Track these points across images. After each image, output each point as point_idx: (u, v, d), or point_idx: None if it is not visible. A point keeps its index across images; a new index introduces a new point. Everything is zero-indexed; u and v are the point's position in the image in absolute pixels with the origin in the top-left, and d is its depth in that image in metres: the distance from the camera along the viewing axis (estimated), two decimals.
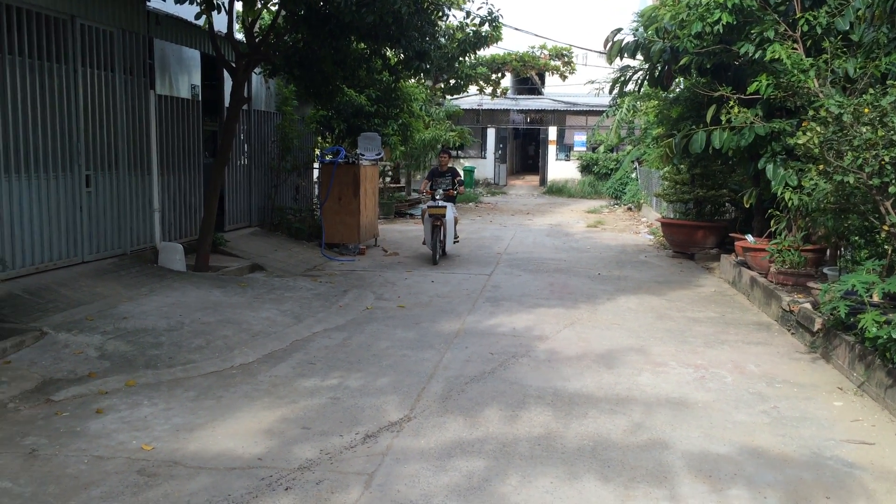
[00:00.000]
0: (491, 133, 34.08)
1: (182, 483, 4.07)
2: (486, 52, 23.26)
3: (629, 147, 24.82)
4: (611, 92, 12.21)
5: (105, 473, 4.18)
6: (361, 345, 7.01)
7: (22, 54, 7.74)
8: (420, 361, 6.49)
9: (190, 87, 11.14)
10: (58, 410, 5.13)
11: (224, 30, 10.45)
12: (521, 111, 33.33)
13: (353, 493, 4.03)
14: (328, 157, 13.40)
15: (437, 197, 12.20)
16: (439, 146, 20.14)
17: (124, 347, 6.46)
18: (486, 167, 33.61)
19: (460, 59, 16.70)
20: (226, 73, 11.44)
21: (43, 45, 8.04)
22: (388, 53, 11.60)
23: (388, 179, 20.98)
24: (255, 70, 11.24)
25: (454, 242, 12.71)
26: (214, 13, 9.43)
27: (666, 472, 4.38)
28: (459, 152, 30.60)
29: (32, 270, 7.95)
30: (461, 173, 12.64)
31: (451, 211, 12.09)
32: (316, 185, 15.64)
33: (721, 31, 8.74)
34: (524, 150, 42.66)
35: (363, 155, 13.57)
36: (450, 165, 13.03)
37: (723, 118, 8.85)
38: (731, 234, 11.34)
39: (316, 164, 15.36)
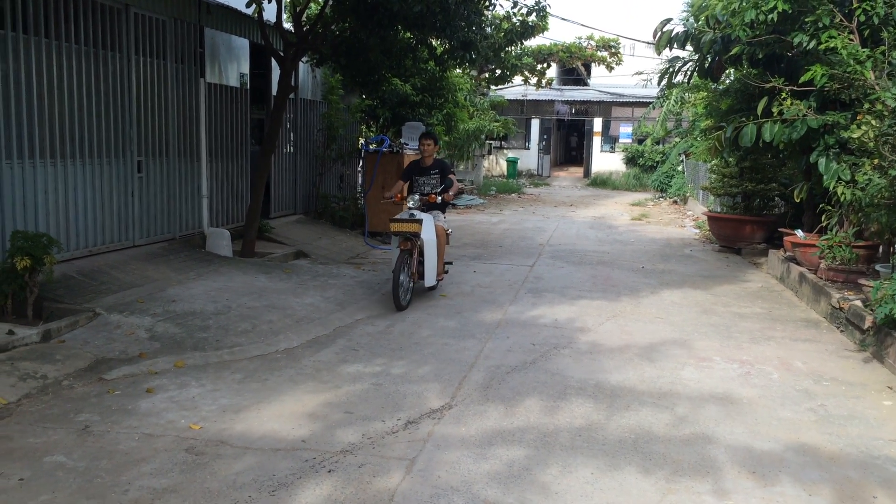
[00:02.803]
0: (535, 124, 33.90)
1: (229, 462, 4.17)
2: (532, 43, 23.13)
3: (676, 139, 24.49)
4: (659, 83, 12.04)
5: (155, 451, 4.30)
6: (403, 332, 7.06)
7: (78, 42, 7.94)
8: (461, 350, 6.52)
9: (239, 75, 11.30)
10: (110, 389, 5.29)
11: (273, 19, 10.56)
12: (566, 102, 33.07)
13: (395, 477, 4.08)
14: (372, 146, 13.48)
15: (411, 205, 8.31)
16: (479, 131, 18.95)
17: (173, 329, 6.62)
18: (529, 158, 33.47)
19: (506, 49, 16.62)
20: (274, 62, 11.57)
21: (98, 34, 8.24)
22: (434, 43, 11.61)
23: None
24: (302, 59, 11.34)
25: (439, 277, 8.66)
26: (264, 2, 9.54)
27: (709, 466, 4.34)
28: (503, 143, 30.52)
29: (86, 253, 8.18)
30: (454, 170, 9.27)
31: (429, 227, 8.25)
32: (360, 174, 15.75)
33: (775, 19, 8.55)
34: (568, 142, 42.36)
35: (407, 144, 13.61)
36: (437, 157, 9.10)
37: (774, 110, 8.66)
38: (780, 229, 11.12)
39: (360, 153, 15.47)
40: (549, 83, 28.67)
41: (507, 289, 9.25)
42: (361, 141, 15.58)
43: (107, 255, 8.46)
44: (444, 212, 8.87)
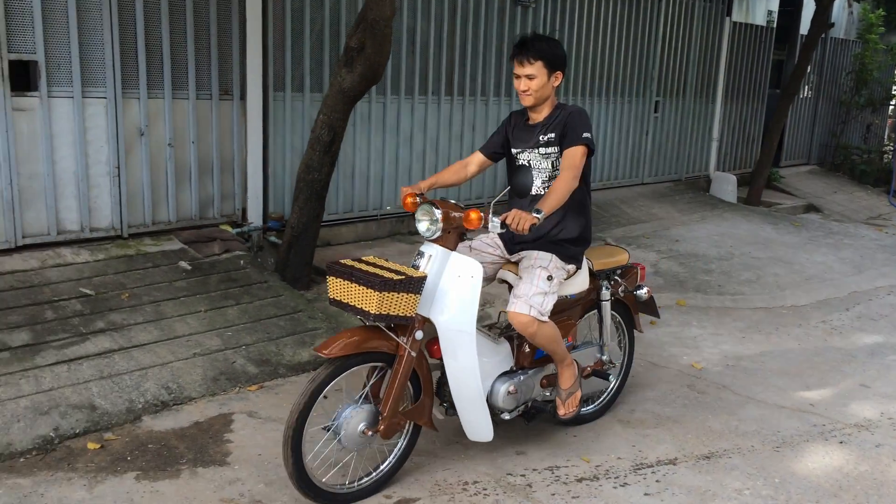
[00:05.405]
0: None
1: (730, 408, 4.12)
2: None
3: None
4: None
5: (658, 379, 4.46)
6: None
7: None
8: None
9: (766, 13, 10.70)
10: None
11: None
12: None
13: None
14: None
15: (423, 230, 3.08)
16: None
17: (676, 268, 6.74)
18: None
19: None
20: None
21: None
22: None
23: None
24: None
25: (570, 411, 3.45)
26: None
27: None
28: None
29: (600, 186, 8.76)
30: (590, 135, 3.24)
31: (460, 297, 3.05)
32: (890, 124, 13.80)
33: None
34: None
35: None
36: (561, 102, 3.44)
37: None
38: None
39: (893, 102, 13.51)
40: None
41: None
42: None
43: (617, 189, 8.95)
44: (565, 254, 3.38)
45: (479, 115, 7.31)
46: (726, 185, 9.89)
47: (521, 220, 2.94)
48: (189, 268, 5.04)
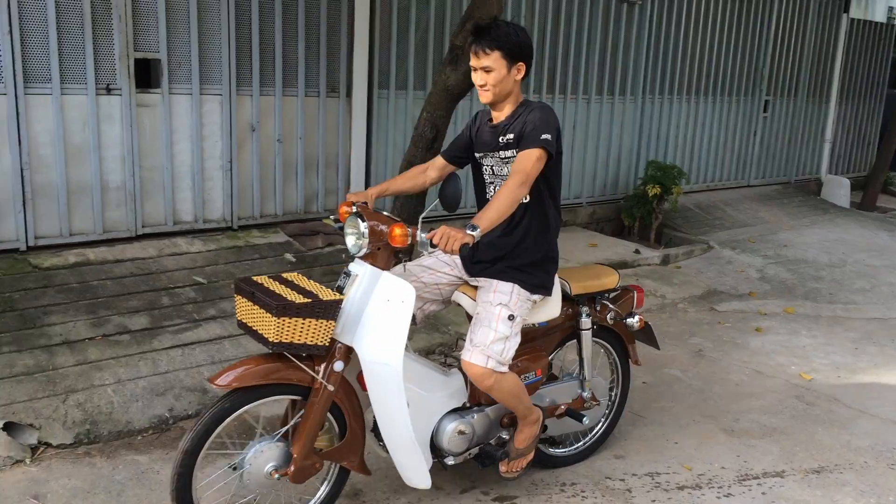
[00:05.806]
0: None
1: (842, 422, 3.94)
2: None
3: None
4: None
5: (764, 389, 4.31)
6: None
7: None
8: None
9: (886, 9, 10.15)
10: (720, 320, 5.47)
11: None
12: None
13: None
14: None
15: (351, 246, 2.67)
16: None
17: (784, 274, 6.48)
18: None
19: None
20: None
21: None
22: None
23: None
24: None
25: (517, 469, 3.04)
26: None
27: None
28: None
29: (703, 188, 8.53)
30: (554, 133, 2.73)
31: (390, 327, 2.58)
32: None
33: None
34: None
35: None
36: (530, 100, 2.88)
37: None
38: None
39: None
40: None
41: None
42: None
43: (721, 191, 8.69)
44: (530, 283, 2.89)
45: (580, 114, 7.24)
46: (839, 189, 9.44)
47: (451, 238, 2.44)
48: (293, 260, 5.20)
